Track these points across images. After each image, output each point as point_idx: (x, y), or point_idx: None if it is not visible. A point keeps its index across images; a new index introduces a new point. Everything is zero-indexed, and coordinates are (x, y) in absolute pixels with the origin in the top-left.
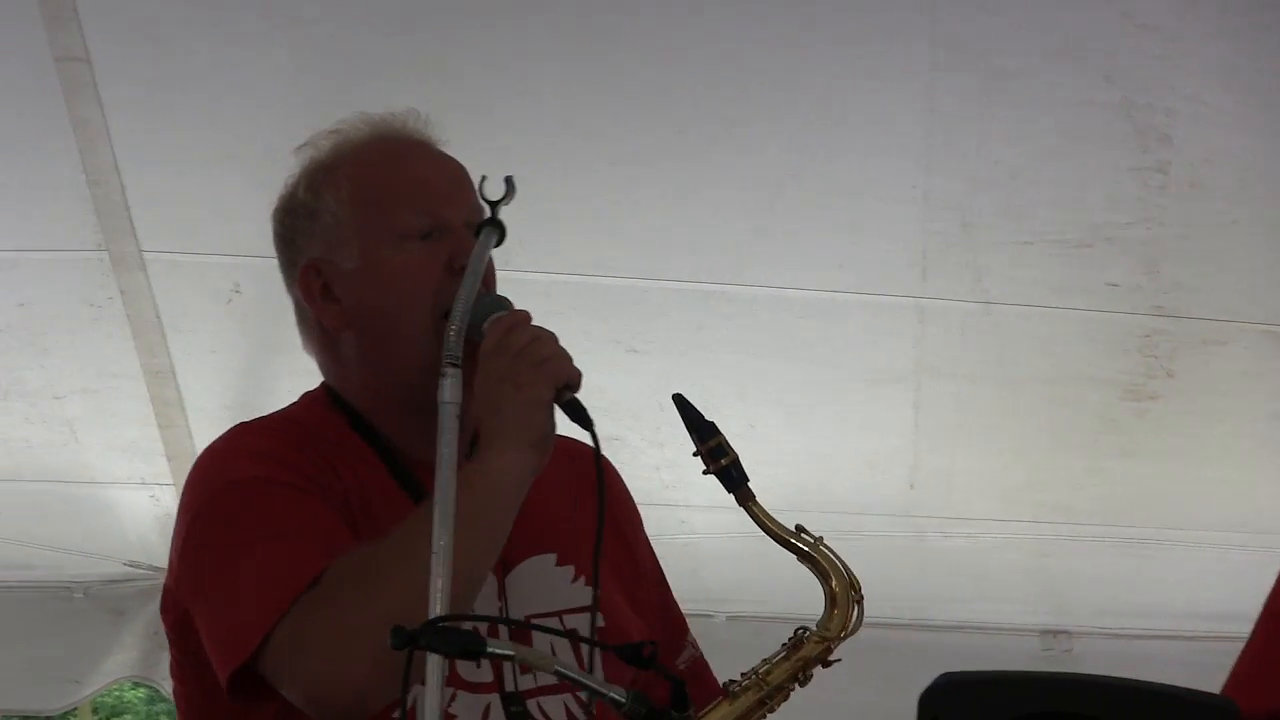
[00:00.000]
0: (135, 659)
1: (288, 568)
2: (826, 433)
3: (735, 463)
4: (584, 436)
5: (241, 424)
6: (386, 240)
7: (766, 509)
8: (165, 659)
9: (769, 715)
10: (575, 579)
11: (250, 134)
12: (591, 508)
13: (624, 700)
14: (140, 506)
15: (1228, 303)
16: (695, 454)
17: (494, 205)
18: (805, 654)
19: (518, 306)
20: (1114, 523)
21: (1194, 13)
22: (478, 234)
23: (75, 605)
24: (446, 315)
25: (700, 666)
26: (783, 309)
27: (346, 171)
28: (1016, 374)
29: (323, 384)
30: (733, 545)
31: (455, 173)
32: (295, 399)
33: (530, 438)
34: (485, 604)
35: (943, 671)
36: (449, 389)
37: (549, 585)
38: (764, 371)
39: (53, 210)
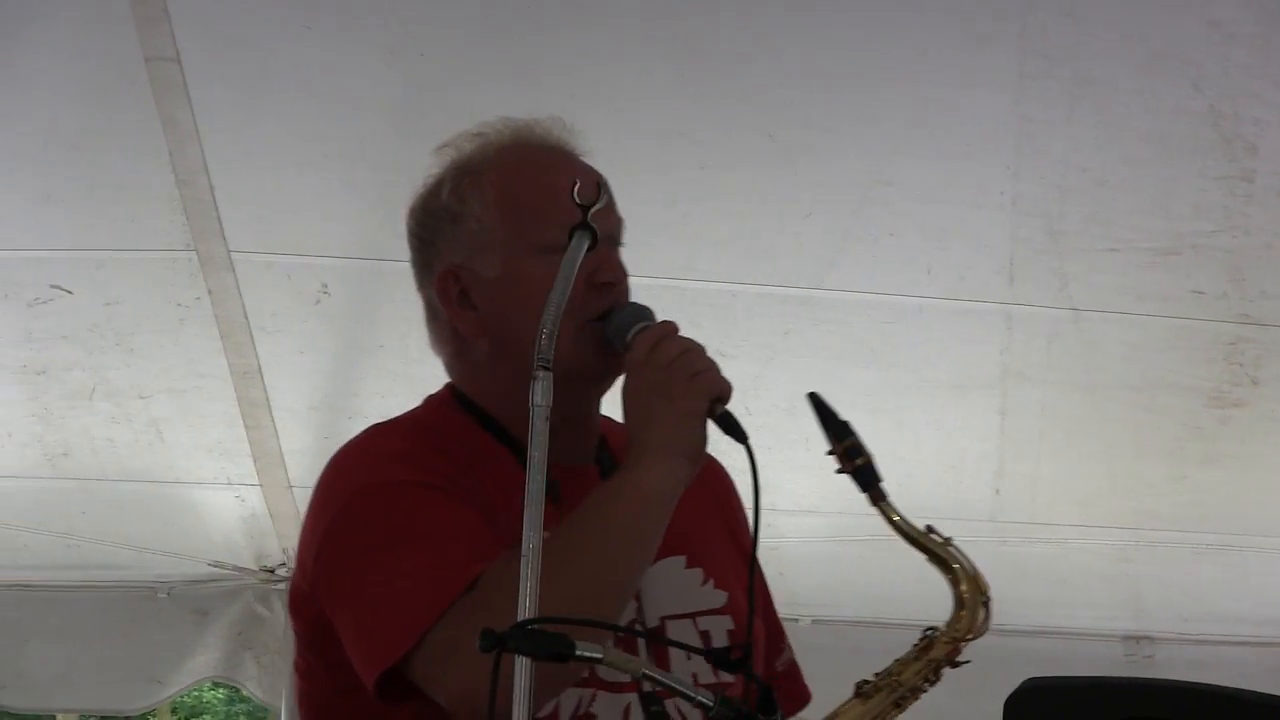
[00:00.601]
0: (217, 659)
1: (443, 572)
2: (912, 437)
3: (869, 463)
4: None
5: (376, 425)
6: (530, 252)
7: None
8: (246, 659)
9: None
10: (705, 582)
11: (339, 135)
12: (711, 514)
13: (711, 704)
14: (225, 507)
15: None
16: (829, 453)
17: (585, 209)
18: (935, 655)
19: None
20: (1197, 529)
21: None
22: (569, 238)
23: (159, 605)
24: (587, 324)
25: (795, 669)
26: (870, 314)
27: (492, 178)
28: (1101, 380)
29: (447, 385)
30: (818, 549)
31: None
32: (382, 400)
33: (684, 450)
34: None
35: (1026, 677)
36: (540, 391)
37: (682, 587)
38: (850, 376)
39: (141, 210)
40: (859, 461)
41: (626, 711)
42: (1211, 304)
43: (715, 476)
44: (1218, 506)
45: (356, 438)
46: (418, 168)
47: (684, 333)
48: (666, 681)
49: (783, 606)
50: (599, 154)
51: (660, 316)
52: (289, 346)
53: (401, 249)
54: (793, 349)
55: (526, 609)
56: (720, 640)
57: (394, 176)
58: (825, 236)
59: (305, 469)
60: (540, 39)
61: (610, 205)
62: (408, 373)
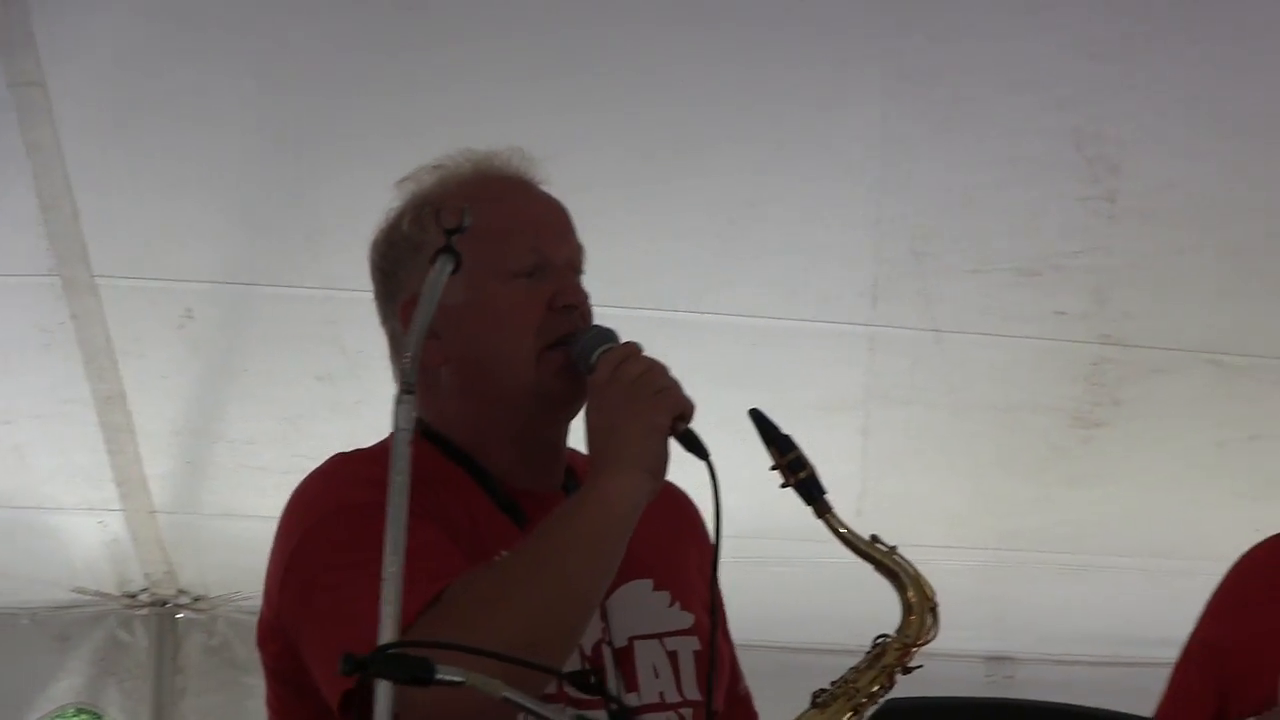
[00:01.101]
0: (80, 685)
1: (408, 587)
2: None
3: (813, 476)
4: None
5: (341, 453)
6: (492, 277)
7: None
8: (109, 685)
9: None
10: (672, 604)
11: (204, 159)
12: (676, 540)
13: None
14: (88, 532)
15: (1175, 331)
16: (773, 468)
17: (450, 234)
18: (888, 661)
19: None
20: (1060, 549)
21: (1145, 42)
22: (432, 262)
23: (20, 631)
24: (547, 349)
25: (749, 696)
26: (735, 336)
27: (453, 206)
28: (965, 401)
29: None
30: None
31: (560, 212)
32: (245, 424)
33: (646, 464)
34: (590, 627)
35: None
36: (403, 415)
37: (649, 608)
38: (715, 398)
39: (4, 234)
40: (802, 475)
41: None
42: (1074, 324)
43: (683, 505)
44: (1080, 526)
45: (320, 466)
46: (283, 192)
47: None
48: (525, 704)
49: None
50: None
51: None
52: (153, 371)
53: (264, 273)
54: None
55: (389, 632)
56: (687, 661)
57: (259, 201)
58: (691, 258)
59: (168, 494)
60: (413, 62)
61: (568, 232)
62: (271, 396)
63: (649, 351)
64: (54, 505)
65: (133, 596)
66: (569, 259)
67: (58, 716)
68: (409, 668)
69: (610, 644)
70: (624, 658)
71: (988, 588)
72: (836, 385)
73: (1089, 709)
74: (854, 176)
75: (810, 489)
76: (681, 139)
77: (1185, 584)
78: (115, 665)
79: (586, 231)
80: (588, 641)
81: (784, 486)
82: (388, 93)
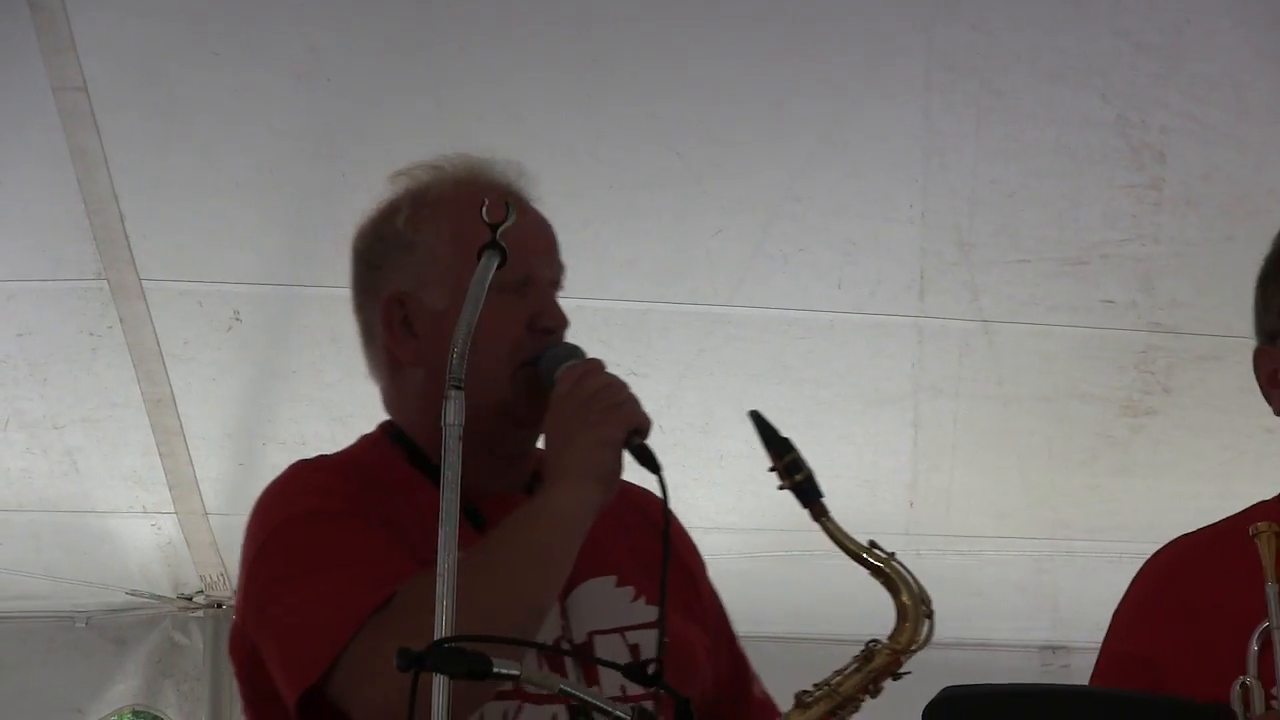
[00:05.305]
0: (138, 688)
1: (358, 591)
2: (826, 452)
3: (809, 479)
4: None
5: (301, 461)
6: None
7: (839, 524)
8: (166, 687)
9: None
10: (636, 599)
11: (249, 162)
12: (649, 542)
13: (628, 717)
14: (142, 535)
15: (1223, 318)
16: (771, 469)
17: (495, 229)
18: (876, 665)
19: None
20: (1111, 538)
21: (1188, 30)
22: (478, 258)
23: (77, 635)
24: (522, 367)
25: (768, 700)
26: (782, 330)
27: (449, 211)
28: (1014, 392)
29: (381, 424)
30: (731, 565)
31: (549, 230)
32: (296, 425)
33: (597, 474)
34: (547, 625)
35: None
36: (452, 411)
37: (610, 604)
38: (764, 392)
39: (52, 240)
40: (799, 478)
41: None
42: (1122, 313)
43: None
44: (1131, 515)
45: (281, 474)
46: (326, 192)
47: (597, 353)
48: (582, 696)
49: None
50: None
51: (574, 336)
52: (202, 374)
53: (309, 274)
54: (706, 367)
55: (443, 627)
56: (651, 654)
57: (303, 202)
58: (736, 253)
59: (221, 496)
60: (447, 62)
61: (555, 251)
62: (320, 397)
63: (699, 346)
64: (107, 509)
65: (188, 599)
66: (553, 278)
67: (116, 719)
68: (466, 662)
69: (569, 640)
70: (583, 652)
71: (1040, 578)
72: (885, 378)
73: (1149, 694)
74: (897, 170)
75: (807, 491)
76: (721, 136)
77: None
78: (172, 667)
79: (625, 229)
80: (545, 638)
81: (781, 488)
82: (424, 96)
